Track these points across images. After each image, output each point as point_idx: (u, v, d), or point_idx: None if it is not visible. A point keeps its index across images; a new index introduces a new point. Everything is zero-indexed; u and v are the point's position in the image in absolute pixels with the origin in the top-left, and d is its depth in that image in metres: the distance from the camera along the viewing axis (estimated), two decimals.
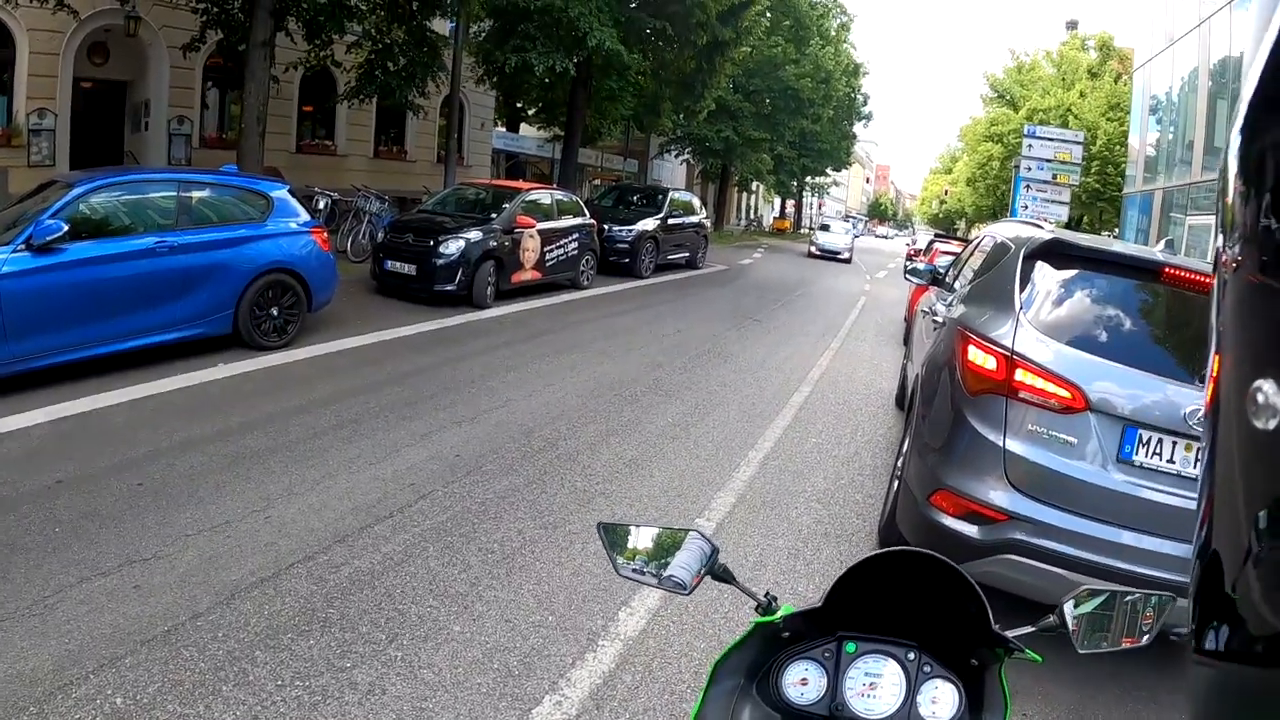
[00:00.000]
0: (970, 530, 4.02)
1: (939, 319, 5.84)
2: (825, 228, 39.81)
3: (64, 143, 16.20)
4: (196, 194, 8.39)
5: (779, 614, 1.53)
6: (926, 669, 1.47)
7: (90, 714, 3.14)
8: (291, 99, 20.47)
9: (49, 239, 6.89)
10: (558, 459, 6.39)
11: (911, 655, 1.47)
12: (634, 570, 1.63)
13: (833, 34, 48.95)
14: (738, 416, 8.13)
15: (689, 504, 5.83)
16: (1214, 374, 0.71)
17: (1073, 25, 54.85)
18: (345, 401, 7.30)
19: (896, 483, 5.34)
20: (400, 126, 24.77)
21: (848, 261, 35.30)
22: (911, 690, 1.45)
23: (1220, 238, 0.67)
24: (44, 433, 6.13)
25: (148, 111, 18.34)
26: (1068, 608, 1.50)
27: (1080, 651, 1.50)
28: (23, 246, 6.80)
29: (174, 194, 8.17)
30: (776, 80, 38.70)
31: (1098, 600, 1.52)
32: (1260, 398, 0.57)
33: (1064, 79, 47.24)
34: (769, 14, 32.82)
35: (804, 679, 1.49)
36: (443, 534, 4.91)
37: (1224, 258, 0.66)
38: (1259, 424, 0.57)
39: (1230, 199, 0.64)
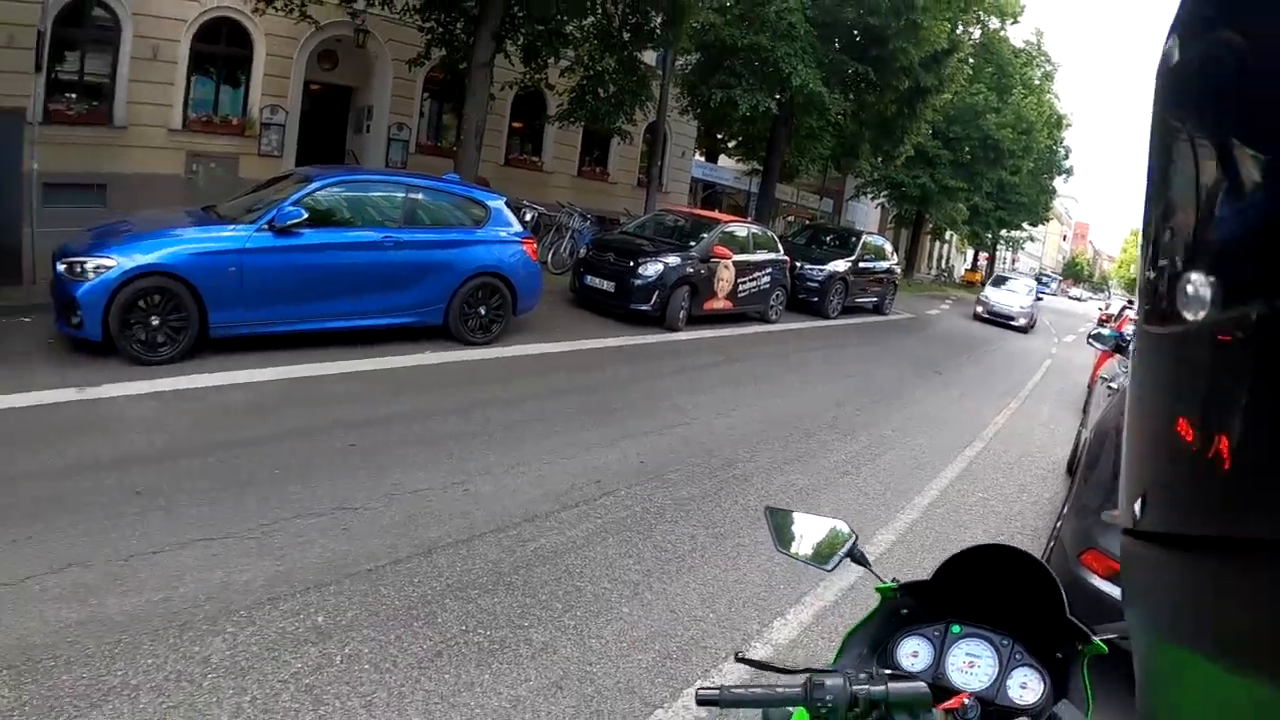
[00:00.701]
0: (1114, 592, 4.07)
1: (1114, 385, 5.83)
2: (1001, 281, 30.67)
3: (292, 137, 17.68)
4: (422, 197, 9.23)
5: (894, 583, 1.83)
6: (1018, 656, 1.72)
7: (294, 625, 3.70)
8: (504, 115, 21.55)
9: (289, 223, 7.89)
10: (734, 478, 6.70)
11: (1006, 642, 1.73)
12: (789, 549, 1.98)
13: (1036, 83, 47.27)
14: (909, 462, 8.21)
15: None
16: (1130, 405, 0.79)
17: None
18: (541, 400, 7.88)
19: (1053, 542, 5.39)
20: (604, 149, 25.58)
21: (1024, 330, 27.08)
22: (1003, 673, 1.71)
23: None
24: (270, 389, 7.01)
25: (370, 116, 19.71)
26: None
27: None
28: (265, 227, 7.81)
29: (402, 195, 9.05)
30: (977, 129, 37.80)
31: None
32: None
33: None
34: (972, 61, 32.23)
35: (915, 652, 1.78)
36: (622, 528, 5.31)
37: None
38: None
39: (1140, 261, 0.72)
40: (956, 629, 1.76)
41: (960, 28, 26.18)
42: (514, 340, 9.97)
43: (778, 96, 21.39)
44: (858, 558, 1.90)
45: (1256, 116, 0.53)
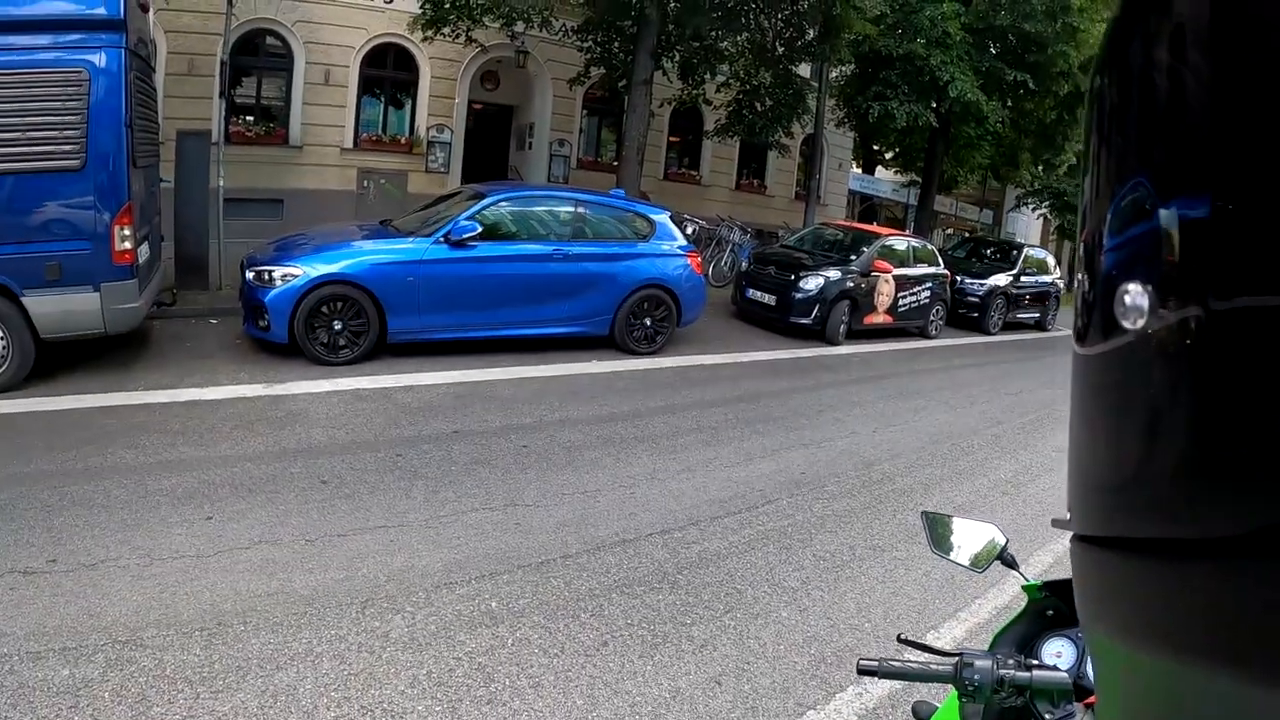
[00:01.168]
0: None
1: None
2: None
3: (457, 155, 18.60)
4: (589, 212, 9.65)
5: (1038, 581, 1.92)
6: None
7: (469, 609, 4.04)
8: (662, 130, 21.89)
9: (464, 236, 8.47)
10: (893, 492, 6.76)
11: None
12: (944, 550, 2.10)
13: None
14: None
15: None
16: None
17: None
18: (704, 410, 8.12)
19: None
20: (761, 162, 25.58)
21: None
22: None
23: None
24: (444, 392, 7.52)
25: (531, 133, 20.42)
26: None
27: None
28: (441, 240, 8.40)
29: (570, 210, 9.50)
30: None
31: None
32: None
33: None
34: None
35: (1059, 652, 1.84)
36: (783, 536, 5.48)
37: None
38: None
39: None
40: None
41: None
42: (677, 351, 10.28)
43: (934, 106, 21.03)
44: (1008, 560, 2.01)
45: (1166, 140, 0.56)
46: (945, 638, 4.57)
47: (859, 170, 32.94)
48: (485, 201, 8.89)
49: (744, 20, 16.35)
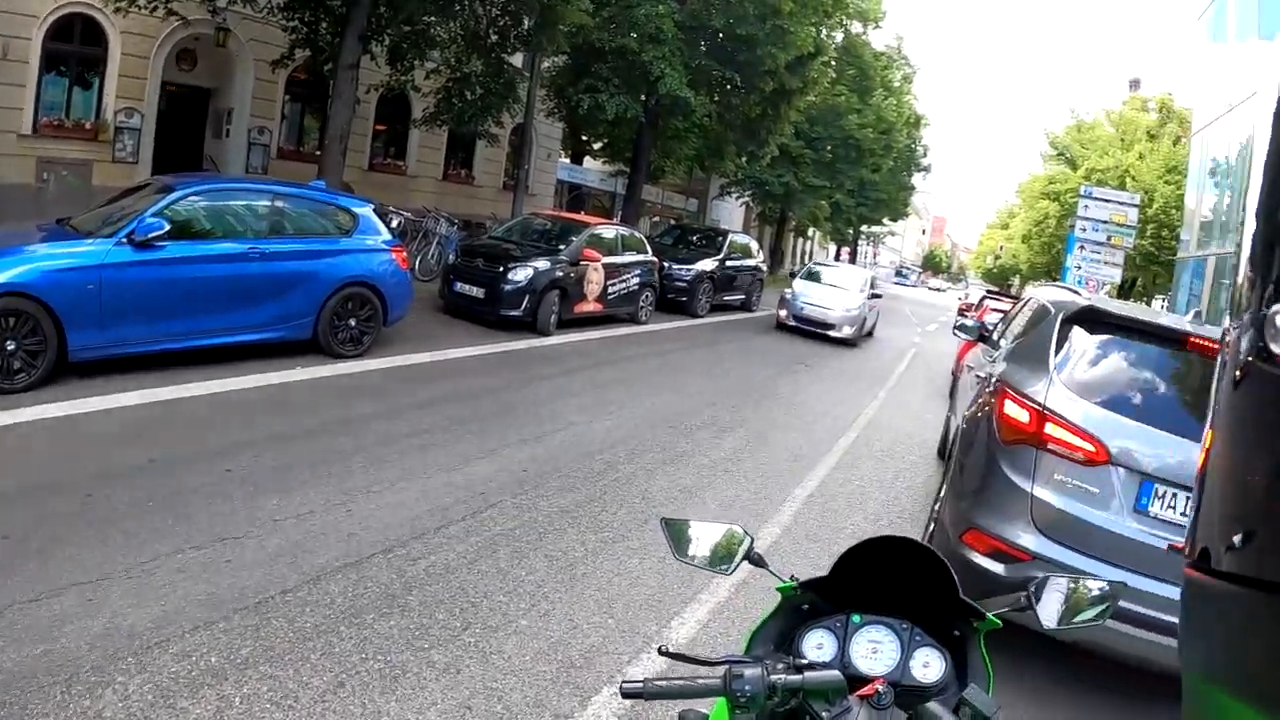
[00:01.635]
0: (997, 568, 4.33)
1: (982, 374, 6.16)
2: (813, 276, 20.55)
3: (148, 142, 16.90)
4: (288, 206, 8.90)
5: (794, 581, 1.89)
6: (917, 638, 1.82)
7: (187, 669, 3.52)
8: (368, 118, 21.12)
9: (150, 235, 7.44)
10: (617, 481, 6.73)
11: (905, 626, 1.83)
12: (687, 556, 2.05)
13: (896, 85, 49.13)
14: (786, 455, 8.41)
15: None
16: (1205, 446, 0.73)
17: (1135, 84, 54.25)
18: (418, 412, 7.73)
19: (932, 525, 5.67)
20: (469, 152, 25.35)
21: (850, 343, 18.99)
22: (905, 655, 1.80)
23: (1228, 317, 0.68)
24: (136, 415, 6.65)
25: (230, 119, 19.05)
26: (1035, 589, 1.87)
27: (1044, 629, 1.86)
28: (125, 240, 7.36)
29: (268, 204, 8.70)
30: (839, 129, 38.99)
31: (1059, 585, 1.89)
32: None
33: (1123, 140, 46.68)
34: (834, 63, 33.22)
35: (820, 644, 1.85)
36: (512, 539, 5.28)
37: (1228, 337, 0.67)
38: None
39: (1241, 280, 0.66)
40: (857, 619, 1.84)
41: (824, 32, 26.86)
42: (386, 352, 9.75)
43: (644, 99, 21.57)
44: (755, 560, 1.97)
45: None
46: (689, 621, 4.58)
47: (567, 160, 33.31)
48: (173, 196, 7.88)
49: (458, 6, 15.99)
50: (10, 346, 6.62)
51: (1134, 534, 4.19)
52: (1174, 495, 4.19)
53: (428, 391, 8.60)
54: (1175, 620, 3.73)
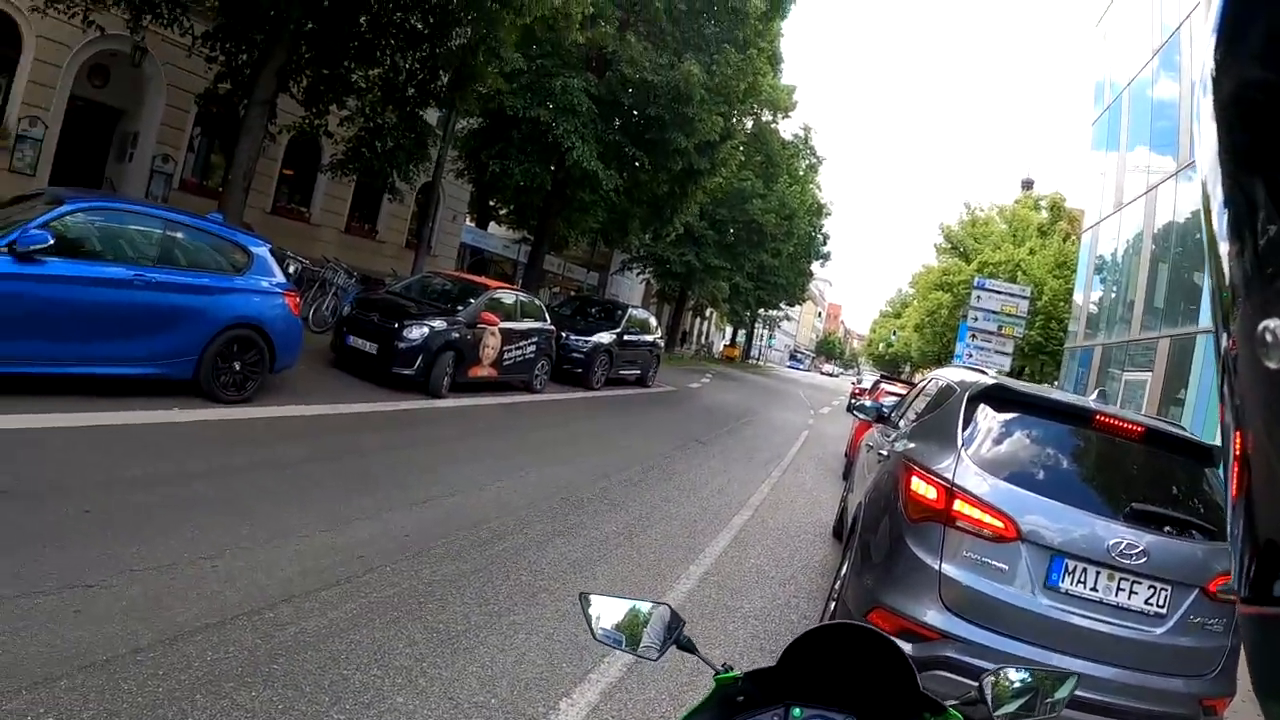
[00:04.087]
0: (905, 647, 4.18)
1: (883, 452, 6.14)
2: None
3: (48, 155, 16.28)
4: (181, 236, 8.48)
5: (736, 672, 1.69)
6: None
7: None
8: (277, 160, 20.71)
9: (33, 248, 7.00)
10: (504, 551, 6.43)
11: (849, 719, 1.62)
12: (609, 636, 1.81)
13: (801, 174, 50.59)
14: (680, 531, 8.23)
15: None
16: (1236, 453, 0.72)
17: (1029, 185, 57.33)
18: (298, 467, 7.32)
19: (833, 604, 5.56)
20: (374, 206, 25.05)
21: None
22: None
23: (1221, 333, 0.69)
24: None
25: (135, 143, 18.44)
26: (988, 682, 1.71)
27: None
28: (5, 249, 6.90)
29: (160, 231, 8.29)
30: (743, 212, 39.86)
31: (1014, 677, 1.74)
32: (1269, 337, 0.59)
33: (1015, 235, 48.94)
34: (743, 149, 34.08)
35: None
36: (389, 608, 4.92)
37: (1227, 344, 0.66)
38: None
39: (1223, 296, 0.67)
40: (797, 712, 1.64)
41: (735, 118, 27.44)
42: (269, 400, 9.28)
43: (553, 169, 21.65)
44: (685, 644, 1.79)
45: None
46: (579, 703, 4.29)
47: (473, 224, 33.16)
48: (63, 209, 7.39)
49: (379, 54, 15.87)
50: None
51: (1045, 610, 4.15)
52: (1084, 570, 4.18)
53: (311, 445, 8.20)
54: (1093, 697, 3.56)
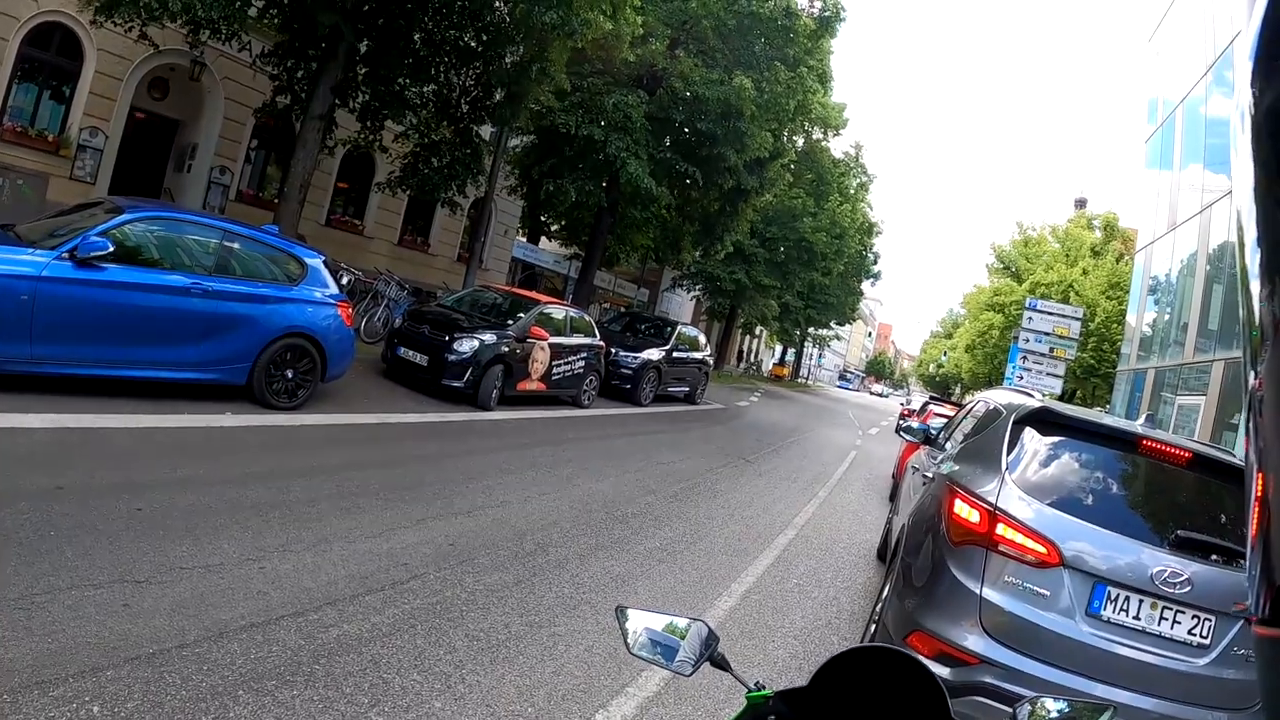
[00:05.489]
0: (942, 671, 4.13)
1: (929, 475, 6.07)
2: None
3: (108, 165, 16.64)
4: (237, 246, 8.67)
5: (768, 691, 1.68)
6: None
7: (64, 715, 3.17)
8: (331, 174, 21.05)
9: (93, 254, 7.19)
10: (548, 563, 6.45)
11: None
12: (644, 650, 1.81)
13: (852, 192, 50.27)
14: (723, 549, 8.20)
15: None
16: (1258, 494, 0.70)
17: (1082, 204, 56.39)
18: (347, 474, 7.41)
19: (874, 626, 5.49)
20: (428, 219, 25.30)
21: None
22: None
23: (1249, 370, 0.69)
24: (47, 438, 6.30)
25: (193, 155, 18.82)
26: (1023, 711, 1.66)
27: None
28: (66, 255, 7.08)
29: (217, 241, 8.46)
30: (793, 230, 39.74)
31: (1051, 707, 1.69)
32: None
33: (1068, 255, 48.16)
34: (793, 167, 33.90)
35: None
36: (432, 615, 4.96)
37: (1254, 383, 0.67)
38: None
39: (1253, 334, 0.67)
40: None
41: (786, 136, 27.42)
42: (320, 408, 9.43)
43: (605, 186, 21.76)
44: (718, 661, 1.78)
45: None
46: (614, 716, 4.29)
47: (524, 239, 33.39)
48: (123, 218, 7.61)
49: (434, 71, 16.10)
50: None
51: (1086, 638, 4.06)
52: (1126, 599, 4.08)
53: (359, 453, 8.30)
54: None
